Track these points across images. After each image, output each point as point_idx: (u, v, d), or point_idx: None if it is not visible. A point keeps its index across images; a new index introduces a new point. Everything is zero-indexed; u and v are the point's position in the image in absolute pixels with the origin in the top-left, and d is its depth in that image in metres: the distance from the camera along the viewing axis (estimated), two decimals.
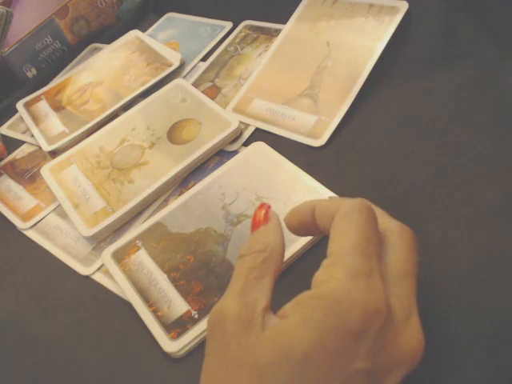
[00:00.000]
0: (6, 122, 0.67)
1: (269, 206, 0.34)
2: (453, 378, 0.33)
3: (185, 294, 0.41)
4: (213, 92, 0.58)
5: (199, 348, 0.38)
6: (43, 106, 0.64)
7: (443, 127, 0.46)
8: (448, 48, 0.52)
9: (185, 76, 0.62)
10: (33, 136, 0.62)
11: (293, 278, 0.41)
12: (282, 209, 0.44)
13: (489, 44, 0.50)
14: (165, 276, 0.42)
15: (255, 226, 0.33)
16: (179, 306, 0.40)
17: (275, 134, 0.51)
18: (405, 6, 0.54)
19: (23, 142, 0.63)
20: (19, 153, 0.62)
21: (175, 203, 0.47)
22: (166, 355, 0.39)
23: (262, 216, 0.33)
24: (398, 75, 0.51)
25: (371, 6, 0.56)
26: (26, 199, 0.55)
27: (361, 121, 0.49)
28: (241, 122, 0.53)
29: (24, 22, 0.70)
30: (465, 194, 0.41)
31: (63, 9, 0.71)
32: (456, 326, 0.35)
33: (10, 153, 0.62)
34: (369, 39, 0.53)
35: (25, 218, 0.53)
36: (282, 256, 0.32)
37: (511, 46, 0.49)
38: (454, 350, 0.34)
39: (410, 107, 0.49)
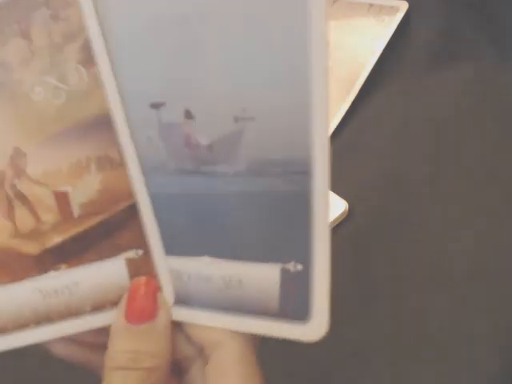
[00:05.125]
0: None
1: (156, 287, 0.25)
2: (453, 377, 0.33)
3: None
4: None
5: None
6: None
7: (443, 127, 0.46)
8: (448, 48, 0.52)
9: None
10: None
11: None
12: None
13: (489, 44, 0.50)
14: None
15: (138, 316, 0.24)
16: None
17: None
18: (405, 6, 0.54)
19: None
20: None
21: None
22: None
23: (150, 304, 0.24)
24: (398, 75, 0.51)
25: (371, 5, 0.56)
26: None
27: (361, 121, 0.49)
28: None
29: None
30: (465, 194, 0.41)
31: None
32: (456, 325, 0.35)
33: None
34: (369, 39, 0.53)
35: None
36: (169, 369, 0.25)
37: (511, 46, 0.49)
38: (455, 350, 0.34)
39: (410, 107, 0.49)
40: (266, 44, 0.21)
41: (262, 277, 0.24)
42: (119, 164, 0.24)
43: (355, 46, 0.54)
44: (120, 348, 0.24)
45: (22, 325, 0.25)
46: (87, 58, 0.23)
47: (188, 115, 0.23)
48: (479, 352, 0.33)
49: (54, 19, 0.23)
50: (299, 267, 0.23)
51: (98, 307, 0.25)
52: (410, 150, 0.45)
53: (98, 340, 0.26)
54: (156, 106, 0.23)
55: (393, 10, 0.55)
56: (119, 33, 0.23)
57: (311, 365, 0.36)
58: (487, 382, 0.32)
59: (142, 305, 0.24)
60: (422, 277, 0.38)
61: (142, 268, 0.25)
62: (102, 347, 0.26)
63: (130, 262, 0.25)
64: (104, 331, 0.25)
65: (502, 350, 0.33)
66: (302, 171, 0.22)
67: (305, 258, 0.22)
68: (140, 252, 0.25)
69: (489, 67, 0.48)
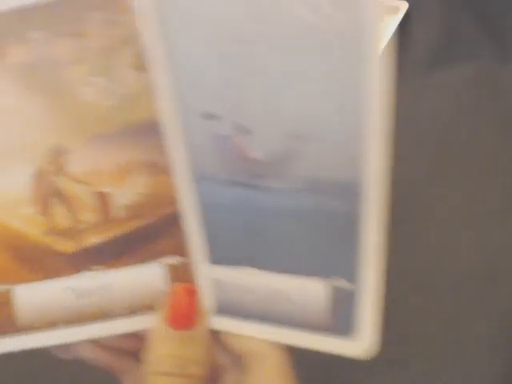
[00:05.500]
0: None
1: (198, 294, 0.25)
2: (453, 377, 0.33)
3: None
4: None
5: None
6: None
7: (443, 127, 0.46)
8: (448, 48, 0.52)
9: None
10: None
11: None
12: None
13: (489, 44, 0.50)
14: None
15: (182, 322, 0.24)
16: None
17: None
18: (405, 6, 0.54)
19: None
20: None
21: None
22: None
23: (192, 311, 0.24)
24: (397, 75, 0.51)
25: None
26: None
27: None
28: None
29: None
30: (465, 194, 0.41)
31: None
32: (456, 325, 0.35)
33: None
34: None
35: None
36: (207, 377, 0.25)
37: (511, 46, 0.49)
38: (455, 350, 0.34)
39: (410, 107, 0.48)
40: (328, 70, 0.22)
41: (310, 292, 0.24)
42: (165, 170, 0.24)
43: None
44: (165, 353, 0.24)
45: (50, 324, 0.25)
46: (142, 63, 0.23)
47: (244, 129, 0.23)
48: (479, 352, 0.33)
49: (110, 22, 0.23)
50: (348, 284, 0.23)
51: (132, 311, 0.25)
52: (410, 150, 0.45)
53: (124, 344, 0.26)
54: (212, 117, 0.23)
55: (393, 9, 0.55)
56: (179, 41, 0.23)
57: (312, 364, 0.36)
58: (487, 382, 0.32)
59: (184, 311, 0.24)
60: (422, 277, 0.38)
61: (183, 275, 0.25)
62: (125, 352, 0.26)
63: (171, 268, 0.25)
64: (131, 336, 0.25)
65: (502, 350, 0.33)
66: (355, 192, 0.22)
67: (354, 275, 0.23)
68: (182, 259, 0.25)
69: (489, 67, 0.48)
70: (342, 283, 0.23)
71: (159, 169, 0.24)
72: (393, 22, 0.54)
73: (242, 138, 0.23)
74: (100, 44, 0.23)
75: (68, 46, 0.24)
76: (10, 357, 0.25)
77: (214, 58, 0.23)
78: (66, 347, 0.26)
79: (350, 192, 0.22)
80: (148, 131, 0.24)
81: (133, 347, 0.26)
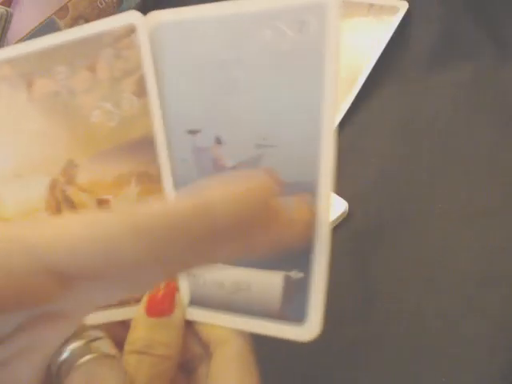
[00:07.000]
0: None
1: (175, 288, 0.28)
2: (453, 377, 0.33)
3: None
4: None
5: None
6: None
7: (443, 127, 0.46)
8: (448, 48, 0.52)
9: None
10: None
11: None
12: None
13: (489, 44, 0.50)
14: None
15: (156, 311, 0.27)
16: None
17: None
18: (405, 6, 0.55)
19: None
20: None
21: None
22: None
23: (167, 302, 0.27)
24: (398, 75, 0.52)
25: (371, 5, 0.56)
26: None
27: (361, 121, 0.49)
28: None
29: (24, 21, 0.70)
30: (465, 194, 0.41)
31: (63, 9, 0.71)
32: (455, 325, 0.35)
33: None
34: (369, 39, 0.53)
35: None
36: (178, 361, 0.27)
37: (511, 46, 0.49)
38: (455, 350, 0.34)
39: (410, 107, 0.49)
40: (286, 86, 0.25)
41: (268, 282, 0.27)
42: (157, 180, 0.28)
43: (355, 46, 0.54)
44: (138, 336, 0.27)
45: None
46: (140, 90, 0.27)
47: (218, 141, 0.27)
48: (479, 352, 0.33)
49: (116, 57, 0.28)
50: (300, 275, 0.26)
51: (123, 303, 0.28)
52: (410, 150, 0.46)
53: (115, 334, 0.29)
54: (193, 132, 0.27)
55: (393, 10, 0.55)
56: (169, 72, 0.27)
57: (311, 364, 0.36)
58: (487, 382, 0.32)
59: (160, 302, 0.28)
60: (422, 277, 0.38)
61: None
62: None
63: None
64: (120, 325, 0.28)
65: (502, 350, 0.33)
66: (307, 189, 0.25)
67: (306, 267, 0.25)
68: None
69: (489, 67, 0.48)
70: (297, 274, 0.26)
71: (152, 178, 0.28)
72: (393, 22, 0.54)
73: (217, 148, 0.27)
74: (108, 75, 0.28)
75: (83, 78, 0.28)
76: None
77: (197, 83, 0.27)
78: None
79: (302, 189, 0.25)
80: (144, 147, 0.28)
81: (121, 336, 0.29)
